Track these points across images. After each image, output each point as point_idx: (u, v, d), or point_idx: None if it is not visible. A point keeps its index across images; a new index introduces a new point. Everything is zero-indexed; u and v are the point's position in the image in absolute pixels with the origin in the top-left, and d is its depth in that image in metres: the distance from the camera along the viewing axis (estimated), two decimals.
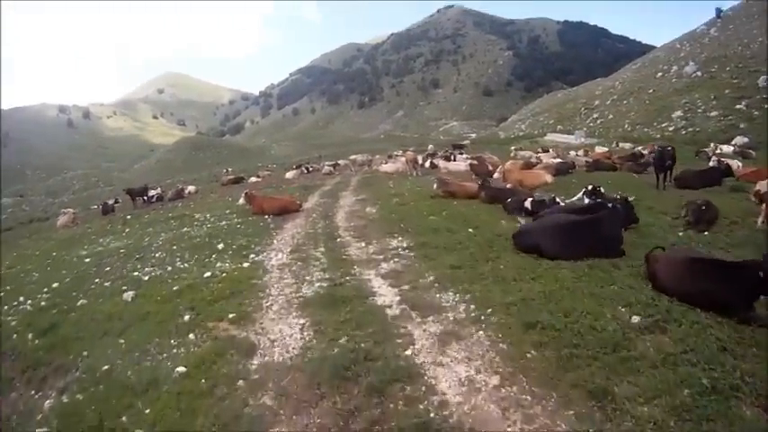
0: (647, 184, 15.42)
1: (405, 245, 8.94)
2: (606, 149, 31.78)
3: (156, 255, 10.77)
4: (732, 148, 27.84)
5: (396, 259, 8.11)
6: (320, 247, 9.43)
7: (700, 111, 45.55)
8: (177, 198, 27.32)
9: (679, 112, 47.54)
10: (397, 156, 34.82)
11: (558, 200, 10.85)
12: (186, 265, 9.32)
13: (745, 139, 31.28)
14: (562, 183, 15.94)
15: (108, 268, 10.34)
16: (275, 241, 10.39)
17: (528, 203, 10.83)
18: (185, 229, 14.05)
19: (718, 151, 25.33)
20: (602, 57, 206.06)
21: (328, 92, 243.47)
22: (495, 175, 16.85)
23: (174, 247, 11.18)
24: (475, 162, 21.28)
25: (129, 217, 21.36)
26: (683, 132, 43.01)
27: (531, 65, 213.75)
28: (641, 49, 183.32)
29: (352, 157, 31.91)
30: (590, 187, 11.75)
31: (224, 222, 13.93)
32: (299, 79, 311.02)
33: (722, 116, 42.04)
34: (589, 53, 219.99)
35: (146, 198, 27.86)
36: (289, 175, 31.83)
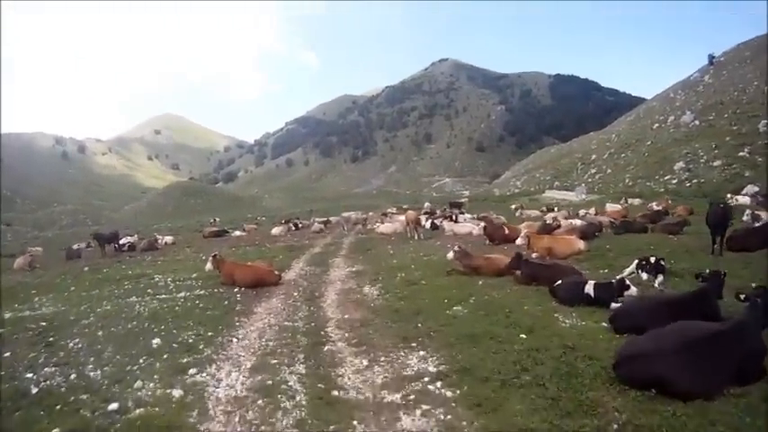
0: (695, 248, 12.78)
1: (432, 368, 5.75)
2: (619, 207, 29.14)
3: (72, 343, 7.63)
4: (748, 198, 25.69)
5: (424, 405, 4.87)
6: (298, 362, 6.23)
7: (702, 161, 43.70)
8: (149, 249, 24.19)
9: (681, 164, 45.50)
10: (392, 214, 32.17)
11: (627, 282, 7.92)
12: (98, 373, 6.18)
13: (756, 188, 29.28)
14: (593, 250, 13.34)
15: (7, 354, 7.23)
16: (235, 341, 7.23)
17: (590, 289, 7.93)
18: (133, 298, 10.95)
19: (734, 202, 23.12)
20: (593, 110, 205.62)
21: (322, 144, 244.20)
22: (519, 242, 14.01)
23: (101, 333, 8.08)
24: (487, 224, 18.52)
25: (86, 269, 18.24)
26: (688, 185, 40.95)
27: (522, 119, 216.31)
28: (631, 102, 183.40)
29: (345, 214, 29.13)
30: (651, 259, 9.21)
31: (183, 294, 10.87)
32: (294, 129, 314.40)
33: (726, 165, 40.21)
34: (580, 107, 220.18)
35: (117, 246, 24.77)
36: (275, 231, 28.99)
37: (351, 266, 13.64)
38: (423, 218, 19.65)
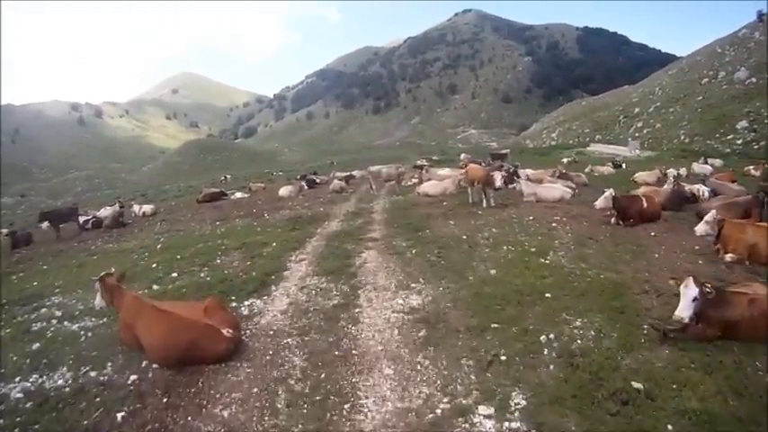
0: None
1: None
2: (728, 172, 22.35)
3: None
4: None
5: None
6: None
7: (767, 121, 42.41)
8: (115, 226, 18.48)
9: (744, 123, 44.25)
10: (427, 167, 25.62)
11: None
12: None
13: None
14: None
15: None
16: None
17: None
18: None
19: None
20: (623, 64, 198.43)
21: (343, 96, 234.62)
22: (701, 229, 7.89)
23: None
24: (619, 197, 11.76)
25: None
26: (755, 146, 39.60)
27: (550, 71, 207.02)
28: (661, 57, 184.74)
29: (374, 168, 22.27)
30: None
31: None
32: (314, 82, 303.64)
33: None
34: (609, 60, 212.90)
35: (79, 224, 19.33)
36: (283, 191, 22.34)
37: (400, 285, 6.90)
38: (497, 175, 12.92)
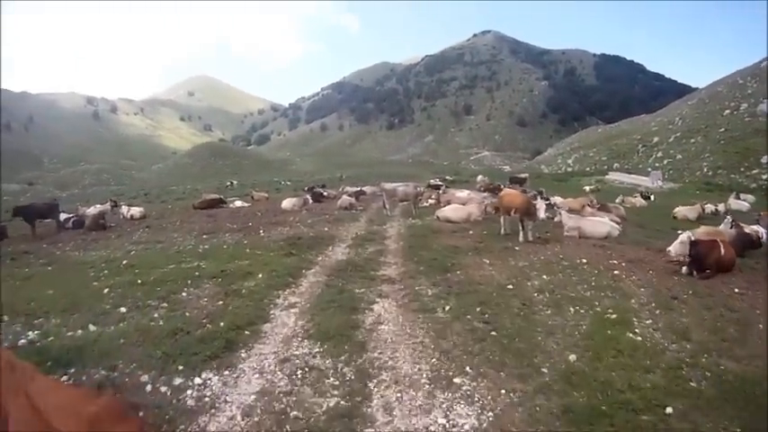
0: None
1: None
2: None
3: None
4: None
5: None
6: None
7: None
8: (95, 228, 16.40)
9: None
10: (443, 187, 23.65)
11: None
12: None
13: None
14: None
15: None
16: None
17: None
18: None
19: None
20: (639, 93, 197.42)
21: (358, 110, 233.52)
22: None
23: None
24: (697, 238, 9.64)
25: None
26: None
27: (566, 97, 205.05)
28: (677, 87, 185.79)
29: (388, 185, 19.72)
30: None
31: None
32: (330, 94, 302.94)
33: None
34: (626, 89, 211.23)
35: (59, 222, 17.36)
36: (286, 204, 20.13)
37: (437, 378, 4.49)
38: (540, 204, 10.74)
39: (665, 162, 55.00)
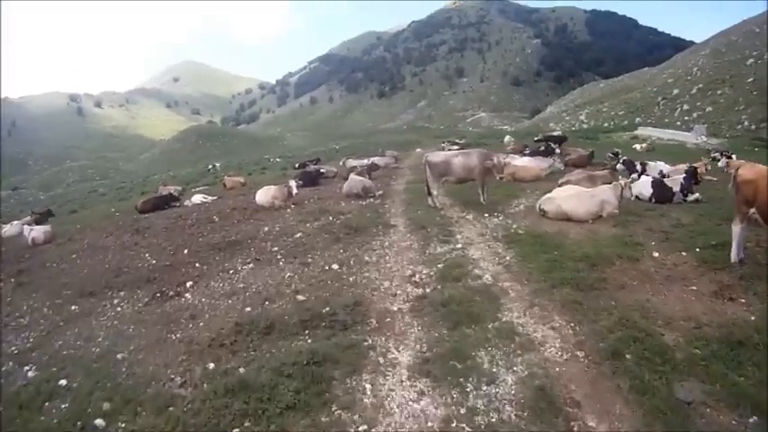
0: None
1: None
2: None
3: None
4: None
5: None
6: None
7: None
8: None
9: None
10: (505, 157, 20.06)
11: None
12: None
13: None
14: None
15: None
16: None
17: None
18: None
19: None
20: (635, 48, 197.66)
21: (347, 80, 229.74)
22: None
23: None
24: None
25: None
26: None
27: (560, 54, 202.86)
28: (674, 42, 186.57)
29: (436, 157, 12.55)
30: None
31: None
32: (317, 67, 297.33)
33: None
34: (621, 44, 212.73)
35: None
36: (261, 197, 14.30)
37: None
38: None
39: (695, 115, 53.09)
